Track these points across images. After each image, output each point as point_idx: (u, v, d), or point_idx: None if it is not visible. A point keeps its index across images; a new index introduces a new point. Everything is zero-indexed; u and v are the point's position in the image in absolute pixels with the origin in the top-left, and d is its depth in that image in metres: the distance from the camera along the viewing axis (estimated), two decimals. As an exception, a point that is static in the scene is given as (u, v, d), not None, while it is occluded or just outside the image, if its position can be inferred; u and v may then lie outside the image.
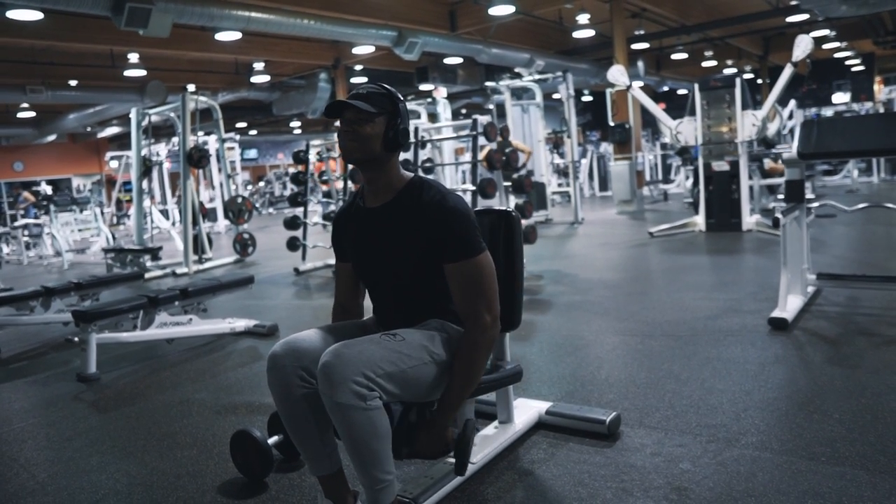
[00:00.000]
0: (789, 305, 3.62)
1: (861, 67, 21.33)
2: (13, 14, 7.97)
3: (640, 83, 16.97)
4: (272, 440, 2.29)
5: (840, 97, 17.90)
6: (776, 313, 3.53)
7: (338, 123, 1.82)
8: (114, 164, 16.22)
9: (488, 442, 2.22)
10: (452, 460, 2.08)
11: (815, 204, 4.12)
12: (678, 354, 3.21)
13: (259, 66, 14.74)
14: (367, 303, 2.05)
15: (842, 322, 3.59)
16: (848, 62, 20.70)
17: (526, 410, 2.45)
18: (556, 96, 15.71)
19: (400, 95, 1.85)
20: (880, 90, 18.26)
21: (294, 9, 9.39)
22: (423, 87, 14.30)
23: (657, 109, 7.65)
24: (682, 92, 23.30)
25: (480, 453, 2.15)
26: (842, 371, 2.82)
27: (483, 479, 2.10)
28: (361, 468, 1.61)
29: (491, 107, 16.75)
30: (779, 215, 3.47)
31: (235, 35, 10.68)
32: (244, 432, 2.25)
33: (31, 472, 2.50)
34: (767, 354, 3.11)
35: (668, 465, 2.10)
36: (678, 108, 7.76)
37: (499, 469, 2.17)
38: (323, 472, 1.80)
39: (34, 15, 8.14)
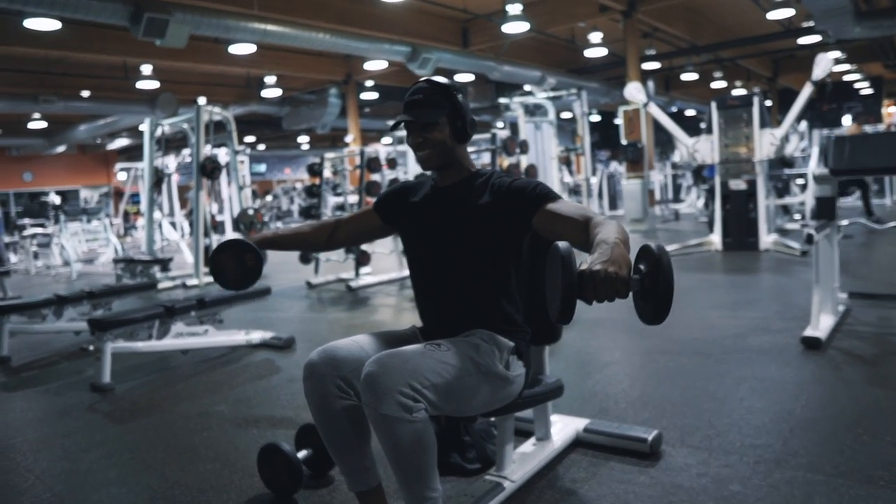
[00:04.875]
0: (822, 324, 3.53)
1: (870, 91, 21.40)
2: (30, 23, 7.98)
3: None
4: (300, 454, 2.21)
5: (849, 120, 17.90)
6: (809, 332, 3.44)
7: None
8: (122, 175, 16.24)
9: (527, 459, 2.13)
10: (492, 477, 2.00)
11: (845, 222, 4.04)
12: (711, 373, 3.12)
13: (270, 80, 14.80)
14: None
15: (877, 342, 3.50)
16: (856, 85, 20.76)
17: (563, 427, 2.36)
18: (564, 115, 15.74)
19: (455, 84, 1.81)
20: (891, 114, 18.25)
21: (309, 22, 9.43)
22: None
23: (674, 127, 7.60)
24: (689, 113, 23.35)
25: (520, 471, 2.06)
26: (885, 392, 2.73)
27: (524, 499, 2.01)
28: (405, 484, 1.53)
29: (500, 124, 16.75)
30: (812, 232, 3.39)
31: (249, 48, 10.71)
32: (273, 446, 2.16)
33: (48, 484, 2.41)
34: (804, 374, 3.02)
35: (716, 486, 2.01)
36: (687, 129, 7.71)
37: (539, 488, 2.08)
38: (362, 488, 1.72)
39: (51, 24, 8.15)
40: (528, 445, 2.24)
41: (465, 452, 2.22)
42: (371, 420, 1.49)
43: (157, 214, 8.76)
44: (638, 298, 1.27)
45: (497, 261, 1.76)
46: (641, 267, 1.26)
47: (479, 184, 1.79)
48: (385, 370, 1.48)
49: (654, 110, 7.79)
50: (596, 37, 12.80)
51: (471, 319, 1.77)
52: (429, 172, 1.87)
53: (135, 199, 18.36)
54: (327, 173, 7.49)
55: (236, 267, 1.89)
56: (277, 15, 9.04)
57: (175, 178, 13.56)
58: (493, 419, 2.36)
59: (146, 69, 12.84)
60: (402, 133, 11.55)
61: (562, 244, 1.26)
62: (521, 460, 2.11)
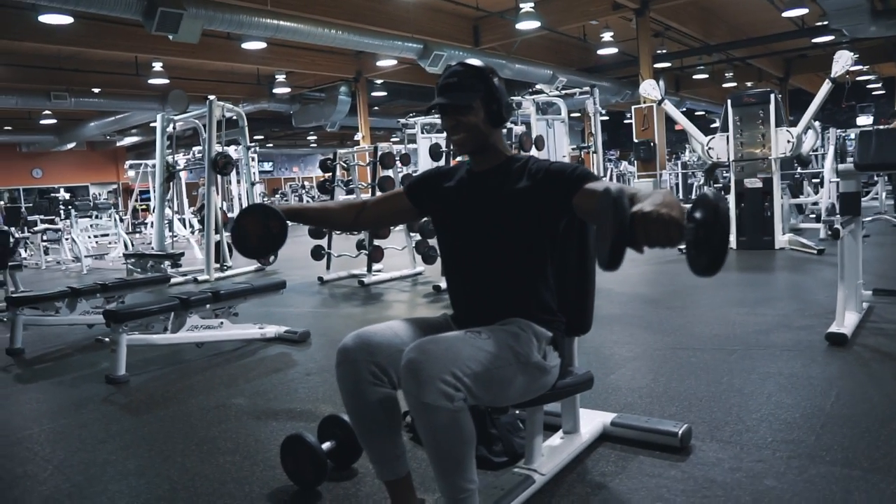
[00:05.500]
0: (847, 321, 3.47)
1: (881, 91, 21.26)
2: (45, 18, 7.98)
3: (661, 102, 16.88)
4: (324, 446, 2.17)
5: (864, 120, 17.81)
6: (834, 328, 3.38)
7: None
8: (131, 173, 16.27)
9: (556, 452, 2.09)
10: (522, 470, 1.96)
11: (869, 218, 3.97)
12: (736, 368, 3.07)
13: (281, 77, 14.79)
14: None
15: (903, 339, 3.44)
16: (869, 86, 20.62)
17: (590, 421, 2.31)
18: (573, 115, 15.67)
19: (491, 67, 1.78)
20: (904, 114, 18.10)
21: (323, 18, 9.40)
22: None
23: (689, 125, 7.54)
24: (699, 113, 23.24)
25: (549, 464, 2.02)
26: (917, 389, 2.68)
27: (554, 492, 1.97)
28: (443, 475, 1.49)
29: (508, 124, 16.68)
30: (839, 226, 3.34)
31: (260, 45, 10.70)
32: (297, 437, 2.12)
33: (66, 474, 2.39)
34: (832, 370, 2.96)
35: (751, 481, 1.96)
36: (698, 129, 7.64)
37: (568, 482, 2.03)
38: (391, 477, 1.68)
39: (65, 19, 8.15)
40: (556, 439, 2.20)
41: (492, 445, 2.18)
42: (412, 408, 1.45)
43: (167, 211, 8.76)
44: (691, 248, 1.18)
45: (534, 246, 1.72)
46: (697, 215, 1.17)
47: (516, 168, 1.75)
48: (428, 357, 1.44)
49: (669, 108, 7.73)
50: (607, 35, 12.74)
51: (507, 307, 1.73)
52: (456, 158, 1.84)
53: (144, 195, 18.40)
54: (339, 170, 7.47)
55: (260, 232, 1.80)
56: (291, 11, 9.02)
57: (183, 175, 13.59)
58: (517, 412, 2.32)
59: (157, 66, 12.85)
60: (413, 131, 11.51)
61: (613, 186, 1.20)
62: (550, 453, 2.07)
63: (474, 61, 1.77)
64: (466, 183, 1.81)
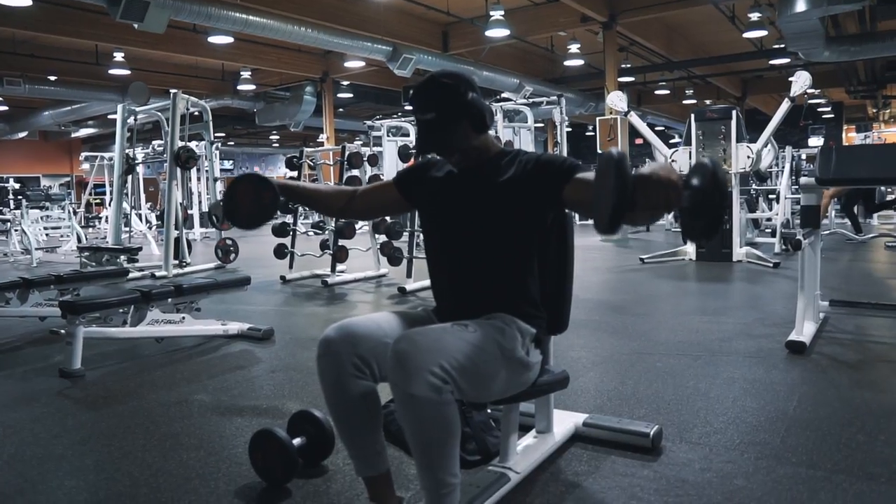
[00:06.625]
0: (805, 330, 3.58)
1: (831, 115, 22.13)
2: (2, 0, 7.68)
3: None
4: (295, 442, 2.12)
5: (815, 141, 18.51)
6: (793, 337, 3.48)
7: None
8: (87, 165, 15.78)
9: (530, 451, 2.09)
10: (496, 468, 1.95)
11: (826, 232, 4.11)
12: (701, 373, 3.13)
13: (246, 74, 14.56)
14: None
15: (858, 348, 3.56)
16: (819, 109, 21.43)
17: (562, 421, 2.32)
18: (536, 125, 15.87)
19: (463, 77, 1.73)
20: (853, 138, 18.87)
21: (293, 16, 9.29)
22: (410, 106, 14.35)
23: (653, 137, 7.70)
24: (659, 128, 23.76)
25: (524, 462, 2.01)
26: (873, 395, 2.77)
27: (529, 491, 1.96)
28: (427, 468, 1.46)
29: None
30: (800, 237, 3.44)
31: (227, 39, 10.50)
32: (268, 431, 2.07)
33: (18, 470, 2.28)
34: (793, 376, 3.04)
35: (721, 480, 2.00)
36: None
37: (542, 480, 2.03)
38: (371, 473, 1.65)
39: (23, 2, 7.85)
40: (530, 438, 2.19)
41: (466, 444, 2.16)
42: (397, 399, 1.42)
43: (123, 205, 8.49)
44: (686, 214, 1.21)
45: (522, 238, 1.71)
46: (694, 182, 1.18)
47: (505, 162, 1.73)
48: (416, 348, 1.42)
49: (635, 120, 7.88)
50: (574, 47, 12.94)
51: (493, 301, 1.71)
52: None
53: (98, 189, 17.87)
54: (306, 168, 7.37)
55: (252, 202, 1.76)
56: (260, 6, 8.88)
57: (140, 170, 13.23)
58: (490, 410, 2.31)
59: (118, 56, 12.50)
60: (378, 134, 11.46)
61: (614, 149, 1.22)
62: (524, 452, 2.07)
63: (447, 79, 1.69)
64: (455, 174, 1.80)
